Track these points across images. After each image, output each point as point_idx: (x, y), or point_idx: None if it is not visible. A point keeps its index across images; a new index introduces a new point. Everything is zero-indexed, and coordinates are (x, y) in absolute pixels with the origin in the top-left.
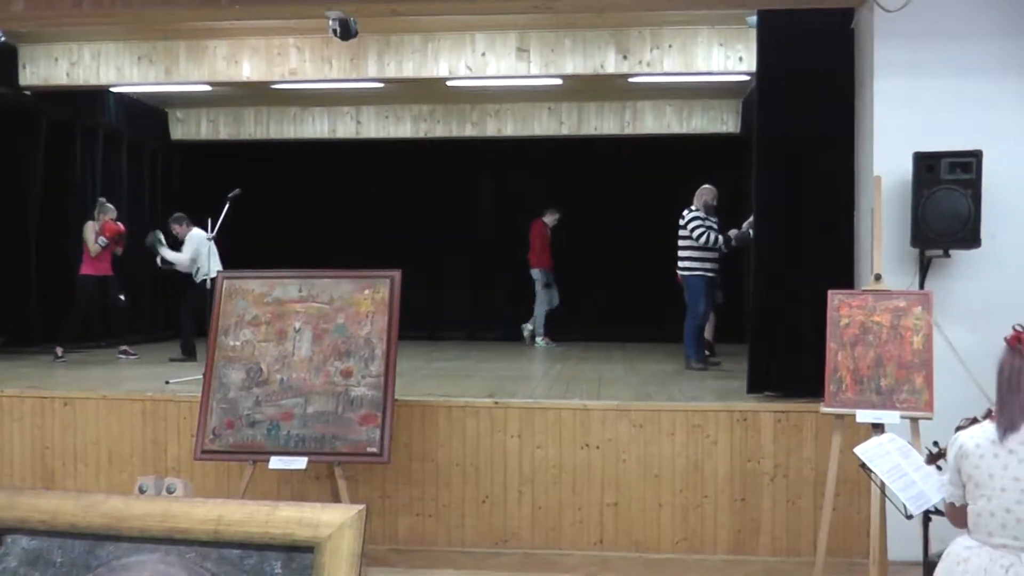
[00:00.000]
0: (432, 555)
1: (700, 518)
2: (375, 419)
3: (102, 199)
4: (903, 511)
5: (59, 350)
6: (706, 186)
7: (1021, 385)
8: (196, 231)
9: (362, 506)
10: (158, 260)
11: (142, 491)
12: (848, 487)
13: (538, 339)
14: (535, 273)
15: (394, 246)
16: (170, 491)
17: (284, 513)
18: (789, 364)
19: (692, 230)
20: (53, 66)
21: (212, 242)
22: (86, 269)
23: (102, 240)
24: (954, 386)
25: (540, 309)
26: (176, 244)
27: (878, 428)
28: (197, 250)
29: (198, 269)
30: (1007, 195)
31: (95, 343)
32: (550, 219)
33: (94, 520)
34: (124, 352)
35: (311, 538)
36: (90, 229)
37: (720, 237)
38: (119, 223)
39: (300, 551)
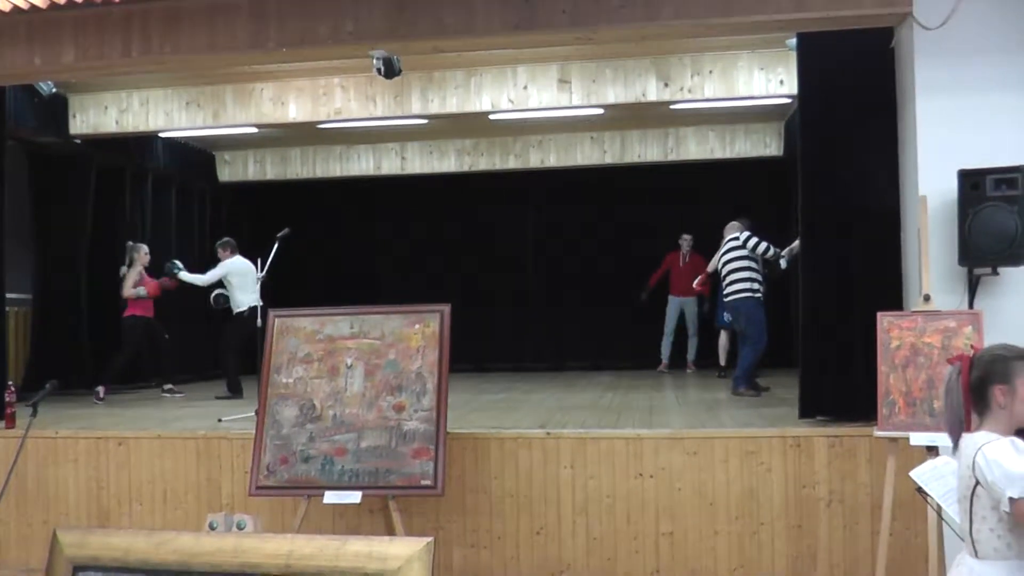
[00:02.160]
0: None
1: (756, 545)
2: (428, 452)
3: (131, 243)
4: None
5: (100, 390)
6: (735, 222)
7: (950, 404)
8: (235, 259)
9: (430, 539)
10: (211, 300)
11: (212, 528)
12: (905, 512)
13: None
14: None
15: (440, 279)
16: (240, 527)
17: (354, 547)
18: (840, 388)
19: (755, 247)
20: (103, 114)
21: (255, 275)
22: (133, 310)
23: (142, 291)
24: None
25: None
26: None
27: (932, 451)
28: (227, 275)
29: (228, 299)
30: None
31: (139, 384)
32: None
33: (166, 556)
34: (170, 391)
35: (380, 571)
36: (128, 279)
37: (781, 252)
38: (163, 280)
39: None
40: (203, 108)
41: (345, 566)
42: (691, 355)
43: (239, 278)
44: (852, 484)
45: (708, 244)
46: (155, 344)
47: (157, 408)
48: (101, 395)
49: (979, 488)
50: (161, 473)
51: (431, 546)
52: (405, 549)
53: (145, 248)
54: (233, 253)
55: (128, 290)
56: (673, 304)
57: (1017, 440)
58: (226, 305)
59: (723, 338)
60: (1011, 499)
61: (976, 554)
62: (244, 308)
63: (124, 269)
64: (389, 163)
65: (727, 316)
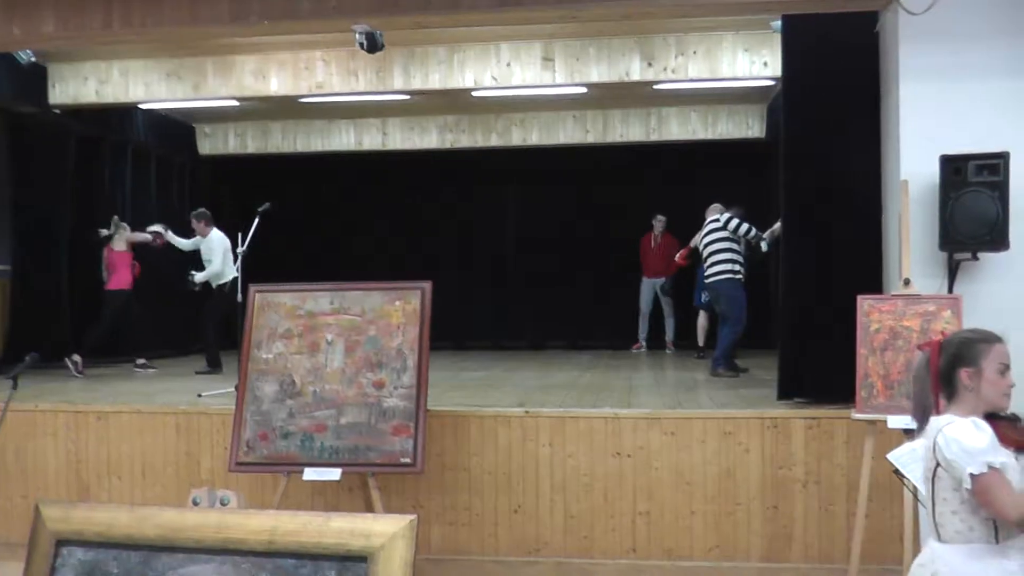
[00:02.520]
0: (465, 564)
1: (733, 526)
2: (408, 430)
3: (116, 217)
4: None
5: (79, 362)
6: (717, 204)
7: (919, 390)
8: (219, 233)
9: (413, 516)
10: (193, 281)
11: (195, 503)
12: (881, 493)
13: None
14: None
15: (421, 256)
16: (223, 503)
17: (337, 523)
18: (819, 370)
19: (736, 228)
20: (82, 84)
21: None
22: (117, 284)
23: (147, 236)
24: None
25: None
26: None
27: (910, 433)
28: (224, 252)
29: (216, 274)
30: None
31: (114, 357)
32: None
33: (149, 531)
34: (143, 366)
35: (364, 548)
36: (123, 241)
37: (762, 234)
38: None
39: (353, 560)
40: (184, 80)
41: (329, 542)
42: (669, 335)
43: (228, 252)
44: (829, 465)
45: (690, 226)
46: (131, 317)
47: (137, 383)
48: (80, 367)
49: (939, 469)
50: (141, 448)
51: (415, 523)
52: (389, 526)
53: (127, 229)
54: (208, 225)
55: (141, 236)
56: (646, 285)
57: (979, 420)
58: (201, 284)
59: (701, 318)
60: (971, 475)
61: (939, 537)
62: (226, 281)
63: (103, 231)
64: (370, 138)
65: (704, 296)
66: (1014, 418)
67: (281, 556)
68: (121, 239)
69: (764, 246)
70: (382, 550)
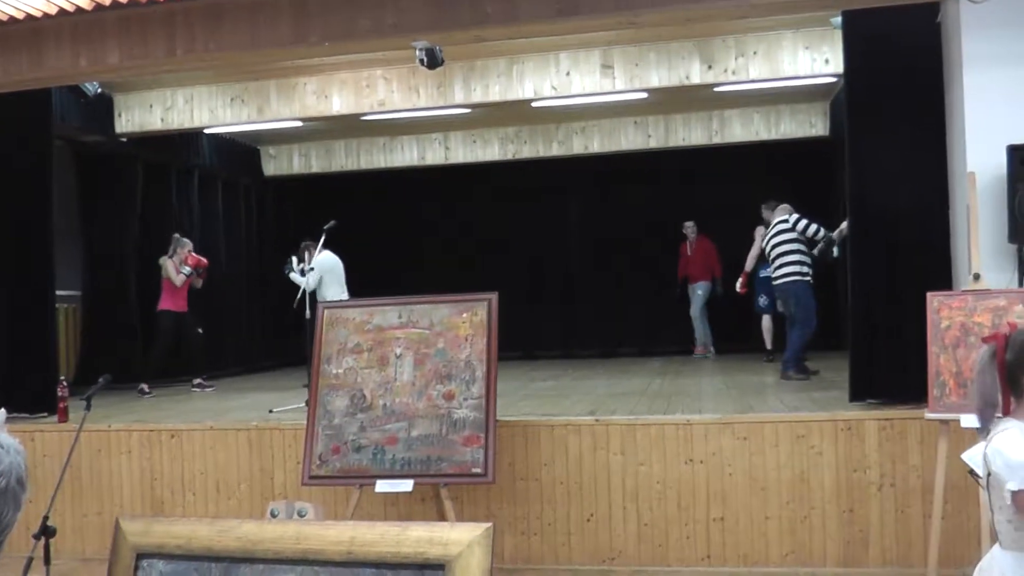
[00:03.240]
0: (539, 574)
1: (808, 530)
2: (478, 440)
3: (177, 235)
4: None
5: (145, 386)
6: (784, 204)
7: (982, 385)
8: (325, 255)
9: (489, 524)
10: (291, 267)
11: (274, 515)
12: (956, 495)
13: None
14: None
15: (488, 267)
16: (301, 515)
17: (415, 533)
18: (891, 370)
19: (805, 229)
20: (148, 112)
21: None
22: (165, 304)
23: (186, 269)
24: None
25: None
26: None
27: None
28: (322, 274)
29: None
30: None
31: (181, 377)
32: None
33: (229, 544)
34: (199, 385)
35: (442, 556)
36: (170, 264)
37: (831, 235)
38: (200, 256)
39: (432, 568)
40: (247, 104)
41: (407, 552)
42: (702, 339)
43: (328, 274)
44: (903, 467)
45: (750, 228)
46: (187, 338)
47: (209, 401)
48: (147, 390)
49: (991, 477)
50: (214, 464)
51: (490, 531)
52: (465, 535)
53: (190, 244)
54: (315, 251)
55: (176, 277)
56: (690, 291)
57: None
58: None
59: (766, 321)
60: (1011, 492)
61: (1001, 544)
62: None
63: (164, 259)
64: (433, 153)
65: (763, 300)
66: None
67: (359, 566)
68: (179, 259)
69: (835, 251)
70: (459, 558)
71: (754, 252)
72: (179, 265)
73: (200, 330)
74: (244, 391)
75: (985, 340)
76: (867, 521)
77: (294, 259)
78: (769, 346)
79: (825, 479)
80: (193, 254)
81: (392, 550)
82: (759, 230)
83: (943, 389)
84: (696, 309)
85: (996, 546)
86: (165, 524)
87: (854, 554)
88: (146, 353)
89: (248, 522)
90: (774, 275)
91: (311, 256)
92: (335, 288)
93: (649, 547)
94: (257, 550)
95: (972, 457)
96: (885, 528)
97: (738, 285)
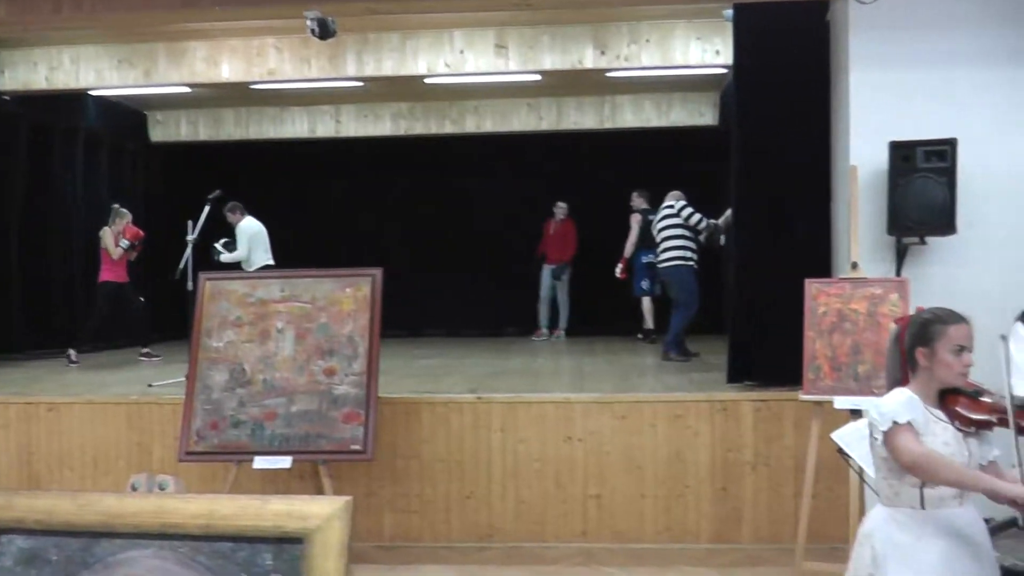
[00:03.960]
0: (417, 551)
1: (683, 508)
2: (359, 417)
3: (116, 205)
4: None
5: (73, 354)
6: (676, 191)
7: (888, 364)
8: (249, 221)
9: (349, 497)
10: (218, 252)
11: (135, 489)
12: (827, 474)
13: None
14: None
15: (375, 244)
16: (162, 488)
17: (274, 506)
18: (768, 353)
19: (689, 217)
20: (32, 71)
21: (263, 231)
22: (106, 275)
23: (124, 242)
24: None
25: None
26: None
27: (856, 414)
28: (249, 241)
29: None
30: (982, 183)
31: (110, 346)
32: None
33: (89, 518)
34: (147, 355)
35: (301, 530)
36: (109, 235)
37: (715, 223)
38: (138, 229)
39: (290, 542)
40: (135, 66)
41: (266, 525)
42: (562, 323)
43: (254, 240)
44: (777, 447)
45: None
46: (128, 309)
47: (88, 373)
48: (74, 358)
49: (872, 437)
50: (92, 439)
51: (350, 504)
52: (325, 508)
53: (129, 216)
54: (242, 214)
55: (114, 249)
56: (546, 271)
57: (912, 396)
58: (222, 254)
59: (646, 303)
60: (883, 433)
61: (881, 501)
62: (254, 268)
63: (104, 229)
64: (324, 126)
65: (645, 284)
66: (976, 393)
67: (219, 540)
68: (117, 229)
69: (722, 239)
70: (318, 531)
71: (632, 239)
72: (118, 236)
73: (142, 299)
74: (125, 364)
75: (896, 322)
76: (740, 499)
77: (217, 245)
78: (651, 325)
79: (700, 458)
80: (131, 226)
81: (251, 523)
82: (635, 217)
83: (818, 372)
84: (546, 290)
85: (877, 504)
86: (27, 497)
87: (727, 531)
88: (80, 322)
89: (109, 496)
90: (659, 259)
91: (236, 218)
92: (261, 254)
93: (526, 524)
94: (117, 524)
95: (842, 436)
96: (758, 506)
97: (617, 271)
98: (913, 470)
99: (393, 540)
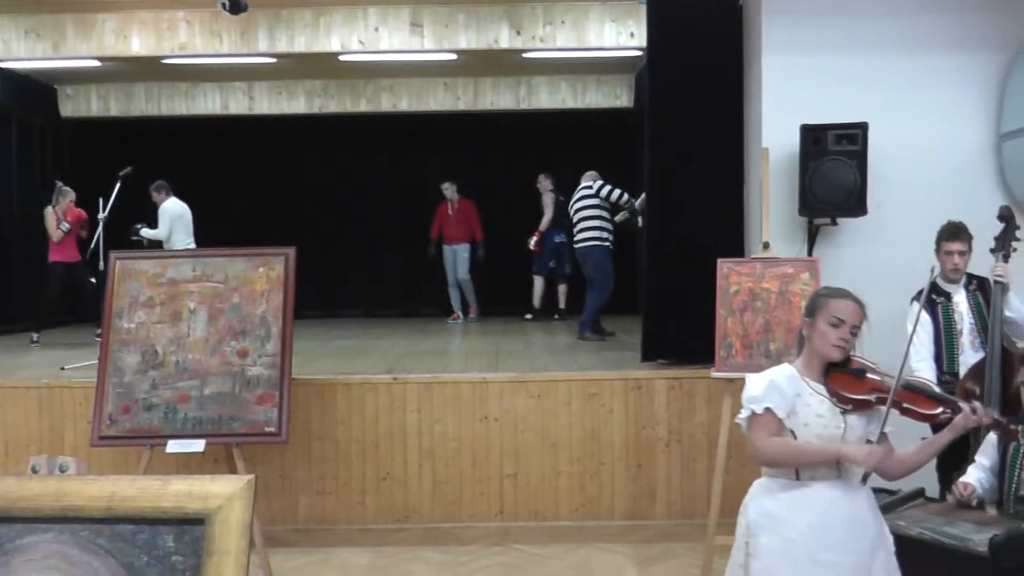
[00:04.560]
0: (333, 534)
1: (597, 485)
2: (272, 399)
3: (60, 183)
4: None
5: (35, 335)
6: (592, 171)
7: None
8: (173, 202)
9: (251, 476)
10: (138, 233)
11: (35, 471)
12: (739, 450)
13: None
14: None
15: (289, 223)
16: (63, 470)
17: (175, 487)
18: (681, 332)
19: (609, 194)
20: None
21: (187, 212)
22: (54, 256)
23: (64, 226)
24: None
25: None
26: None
27: None
28: (172, 222)
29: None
30: (892, 166)
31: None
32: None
33: None
34: (100, 335)
35: (201, 510)
36: (51, 216)
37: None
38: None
39: (191, 523)
40: (43, 38)
41: (167, 506)
42: (472, 303)
43: (177, 221)
44: (690, 424)
45: (561, 193)
46: (78, 289)
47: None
48: (35, 339)
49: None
50: (2, 424)
51: (252, 483)
52: (227, 487)
53: (72, 195)
54: (168, 195)
55: (55, 232)
56: (447, 253)
57: (781, 374)
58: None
59: (538, 283)
60: (745, 420)
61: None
62: (181, 247)
63: (48, 209)
64: (236, 103)
65: (551, 263)
66: (861, 371)
67: (119, 522)
68: (61, 209)
69: (640, 221)
70: (219, 512)
71: (547, 217)
72: (60, 218)
73: (93, 280)
74: (37, 346)
75: None
76: (654, 476)
77: (140, 227)
78: (537, 305)
79: (615, 436)
80: (73, 207)
81: (152, 505)
82: (549, 195)
83: (729, 350)
84: (463, 272)
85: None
86: None
87: (641, 507)
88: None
89: (7, 478)
90: (575, 238)
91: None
92: (182, 236)
93: (443, 504)
94: (16, 508)
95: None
96: (671, 482)
97: (532, 243)
98: (766, 464)
99: (308, 523)
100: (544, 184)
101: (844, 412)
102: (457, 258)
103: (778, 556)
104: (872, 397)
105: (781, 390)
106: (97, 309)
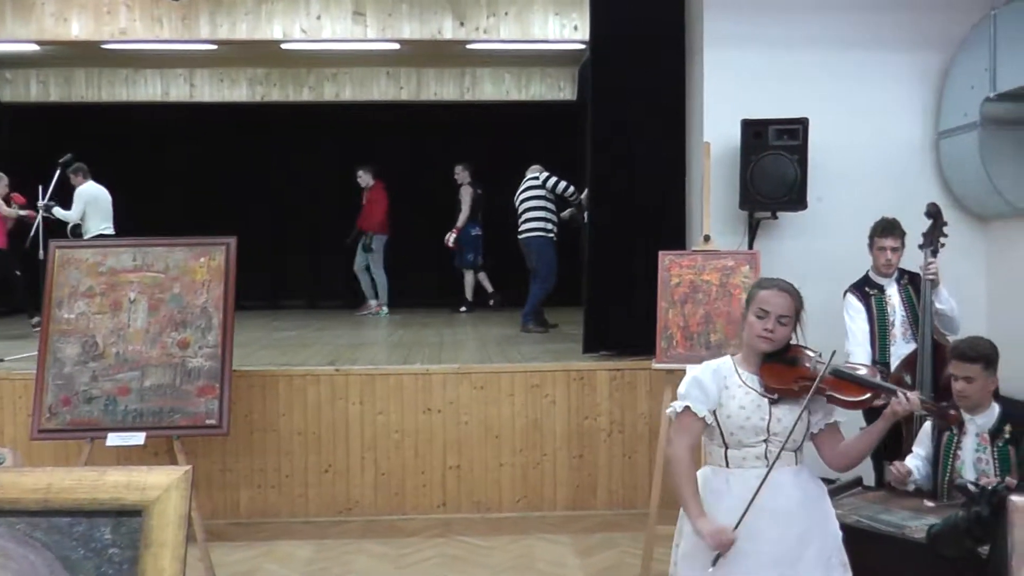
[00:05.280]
0: (275, 527)
1: (540, 476)
2: (213, 390)
3: None
4: None
5: None
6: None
7: None
8: (90, 186)
9: (188, 467)
10: (48, 208)
11: None
12: None
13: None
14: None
15: (231, 212)
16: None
17: (112, 478)
18: (623, 324)
19: (555, 186)
20: None
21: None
22: None
23: (16, 206)
24: None
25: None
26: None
27: None
28: (86, 205)
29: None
30: (831, 160)
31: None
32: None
33: None
34: (38, 324)
35: (139, 501)
36: None
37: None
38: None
39: (129, 515)
40: None
41: (104, 497)
42: (382, 296)
43: (92, 205)
44: (632, 414)
45: (507, 186)
46: (6, 277)
47: None
48: None
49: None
50: None
51: (189, 474)
52: (164, 478)
53: (5, 179)
54: (86, 179)
55: (8, 211)
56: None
57: (707, 368)
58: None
59: (469, 277)
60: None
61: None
62: (90, 237)
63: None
64: (177, 90)
65: (470, 256)
66: (792, 360)
67: (56, 514)
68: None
69: (586, 215)
70: (156, 503)
71: (465, 212)
72: (6, 200)
73: (18, 272)
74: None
75: None
76: (596, 466)
77: (52, 204)
78: (470, 298)
79: (557, 427)
80: (17, 194)
81: (89, 496)
82: (466, 189)
83: (670, 341)
84: (371, 261)
85: None
86: None
87: (583, 498)
88: None
89: None
90: (520, 229)
91: (79, 182)
92: (97, 221)
93: (385, 496)
94: None
95: None
96: (613, 472)
97: (450, 240)
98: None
99: (250, 516)
100: (462, 175)
101: (772, 402)
102: (367, 248)
103: (698, 540)
104: (796, 386)
105: (703, 386)
106: (28, 299)
